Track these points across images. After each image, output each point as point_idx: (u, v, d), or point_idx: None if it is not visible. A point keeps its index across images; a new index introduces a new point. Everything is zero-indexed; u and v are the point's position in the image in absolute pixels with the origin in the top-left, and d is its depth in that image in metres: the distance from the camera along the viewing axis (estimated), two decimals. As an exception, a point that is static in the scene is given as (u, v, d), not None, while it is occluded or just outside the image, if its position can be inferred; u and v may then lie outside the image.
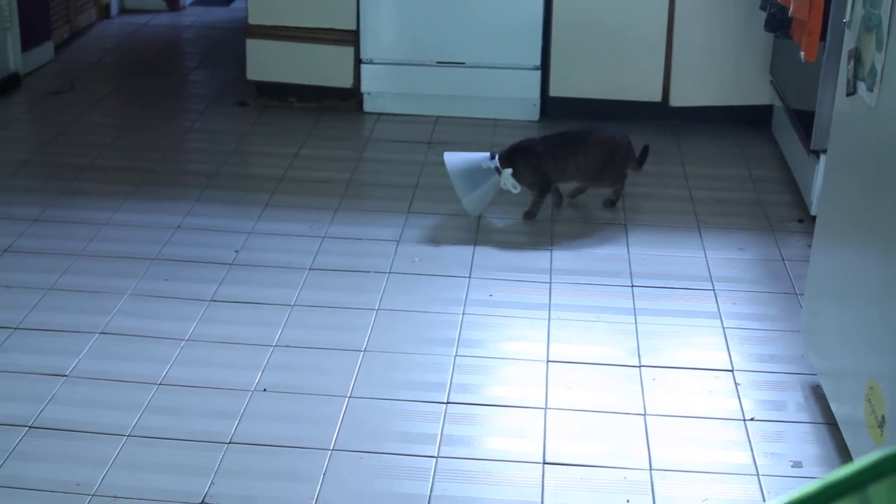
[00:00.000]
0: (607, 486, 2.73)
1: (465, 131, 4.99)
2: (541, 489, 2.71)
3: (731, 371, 3.22)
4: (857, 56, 2.73)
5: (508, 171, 4.08)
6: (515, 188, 4.12)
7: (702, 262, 3.86)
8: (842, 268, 2.84)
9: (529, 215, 4.16)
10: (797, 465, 2.82)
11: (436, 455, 2.83)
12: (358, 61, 5.17)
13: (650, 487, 2.72)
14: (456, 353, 3.29)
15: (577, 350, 3.32)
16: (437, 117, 5.16)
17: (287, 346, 3.31)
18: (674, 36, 4.95)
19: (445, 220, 4.12)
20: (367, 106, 5.26)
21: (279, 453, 2.83)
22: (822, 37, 3.83)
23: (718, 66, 4.98)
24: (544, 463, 2.81)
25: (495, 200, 4.20)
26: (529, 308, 3.54)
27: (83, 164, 4.65)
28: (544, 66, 5.09)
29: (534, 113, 5.16)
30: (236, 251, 3.89)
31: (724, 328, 3.44)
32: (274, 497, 2.67)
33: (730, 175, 4.60)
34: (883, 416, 2.47)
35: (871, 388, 2.55)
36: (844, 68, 2.84)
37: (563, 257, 3.87)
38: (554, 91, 5.11)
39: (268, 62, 5.26)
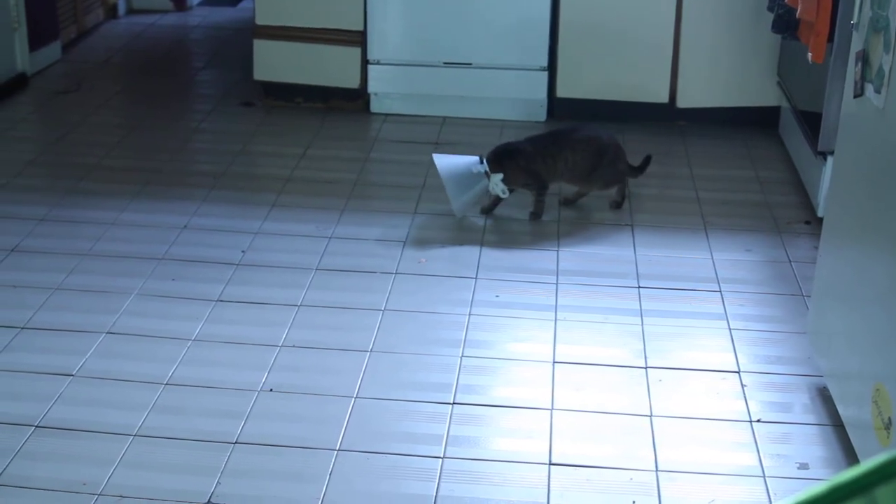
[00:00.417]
0: (614, 487, 2.72)
1: (471, 132, 4.99)
2: (547, 490, 2.71)
3: (738, 372, 3.22)
4: (864, 58, 2.73)
5: (498, 176, 4.08)
6: (504, 193, 4.11)
7: (708, 263, 3.85)
8: (849, 270, 2.84)
9: (534, 216, 4.16)
10: (803, 466, 2.81)
11: (442, 456, 2.83)
12: (365, 62, 5.17)
13: (656, 488, 2.72)
14: (462, 353, 3.29)
15: (583, 351, 3.32)
16: (444, 118, 5.16)
17: (293, 347, 3.31)
18: (681, 37, 4.95)
19: (452, 221, 4.12)
20: (374, 106, 5.27)
21: (285, 453, 2.83)
22: (830, 38, 3.83)
23: (726, 68, 4.98)
24: (550, 464, 2.81)
25: (502, 202, 4.20)
26: (536, 309, 3.54)
27: (90, 163, 4.66)
28: (551, 67, 5.09)
29: (541, 114, 5.16)
30: (243, 251, 3.89)
31: (730, 329, 3.44)
32: (280, 497, 2.67)
33: (737, 176, 4.60)
34: (889, 418, 2.47)
35: (878, 390, 2.54)
36: (852, 70, 2.84)
37: (569, 258, 3.87)
38: (561, 92, 5.11)
39: (275, 62, 5.26)
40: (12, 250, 3.88)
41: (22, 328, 3.39)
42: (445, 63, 5.14)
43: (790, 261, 3.87)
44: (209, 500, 2.65)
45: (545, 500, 2.68)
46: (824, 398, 3.06)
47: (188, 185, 4.46)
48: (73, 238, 3.97)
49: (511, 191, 4.16)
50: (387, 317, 3.48)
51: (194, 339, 3.34)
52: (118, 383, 3.12)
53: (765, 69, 4.94)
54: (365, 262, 3.83)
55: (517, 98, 5.14)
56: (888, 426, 2.47)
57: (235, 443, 2.86)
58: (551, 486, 2.73)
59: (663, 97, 5.05)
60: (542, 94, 5.12)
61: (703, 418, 3.01)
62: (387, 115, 5.24)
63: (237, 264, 3.80)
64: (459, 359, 3.26)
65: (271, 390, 3.09)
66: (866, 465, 0.96)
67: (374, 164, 4.72)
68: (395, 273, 3.75)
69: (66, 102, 5.43)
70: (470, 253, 3.90)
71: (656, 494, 2.70)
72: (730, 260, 3.88)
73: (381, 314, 3.49)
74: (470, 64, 5.12)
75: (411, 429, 2.94)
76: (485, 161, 4.09)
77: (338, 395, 3.07)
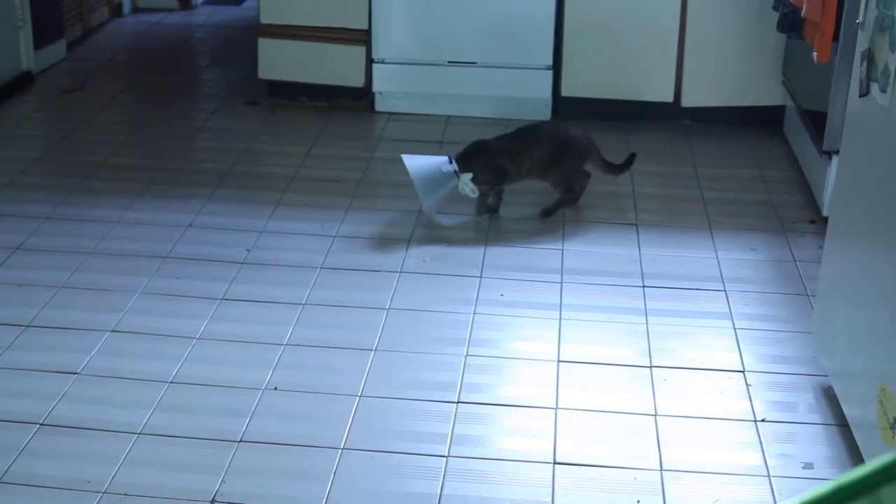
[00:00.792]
0: (618, 487, 2.72)
1: (476, 131, 4.97)
2: (551, 489, 2.71)
3: (743, 372, 3.21)
4: (870, 57, 2.72)
5: (467, 176, 4.07)
6: (474, 193, 4.10)
7: (713, 262, 3.85)
8: (854, 269, 2.84)
9: (486, 209, 4.17)
10: (808, 466, 2.81)
11: (446, 454, 2.83)
12: (369, 61, 5.17)
13: (661, 488, 2.72)
14: (467, 352, 3.29)
15: (588, 350, 3.32)
16: (449, 117, 5.16)
17: (298, 345, 3.31)
18: (686, 36, 4.95)
19: (456, 220, 4.12)
20: (379, 105, 5.27)
21: (290, 452, 2.83)
22: (835, 37, 3.82)
23: (731, 67, 4.98)
24: (555, 463, 2.81)
25: (506, 200, 4.20)
26: (540, 308, 3.54)
27: (95, 162, 4.66)
28: (556, 66, 5.09)
29: (545, 113, 5.15)
30: (247, 250, 3.89)
31: (735, 329, 3.44)
32: (284, 495, 2.67)
33: (741, 176, 4.60)
34: (894, 418, 2.47)
35: (883, 389, 2.54)
36: (857, 69, 2.83)
37: (574, 257, 3.87)
38: (566, 91, 5.11)
39: (279, 61, 5.26)
40: (17, 248, 3.88)
41: (26, 326, 3.40)
42: (450, 62, 5.13)
43: (795, 260, 3.87)
44: (213, 499, 2.65)
45: (549, 500, 2.68)
46: (829, 398, 3.06)
47: (193, 184, 4.46)
48: (77, 236, 3.97)
49: (491, 189, 4.16)
50: (391, 315, 3.48)
51: (199, 338, 3.34)
52: (123, 381, 3.12)
53: (770, 68, 4.93)
54: (369, 260, 3.83)
55: (522, 97, 5.14)
56: (893, 426, 2.47)
57: (240, 441, 2.86)
58: (555, 485, 2.73)
59: (668, 96, 5.05)
60: (547, 93, 5.12)
61: (707, 418, 3.01)
62: (391, 113, 5.24)
63: (242, 263, 3.80)
64: (464, 357, 3.26)
65: (276, 389, 3.09)
66: (871, 464, 0.96)
67: (378, 163, 4.72)
68: (400, 272, 3.75)
69: (71, 101, 5.44)
70: (474, 252, 3.90)
71: (661, 494, 2.70)
72: (735, 259, 3.88)
73: (386, 313, 3.49)
74: (474, 63, 5.12)
75: (416, 427, 2.94)
76: (454, 161, 4.09)
77: (342, 393, 3.08)
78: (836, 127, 3.82)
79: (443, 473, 2.76)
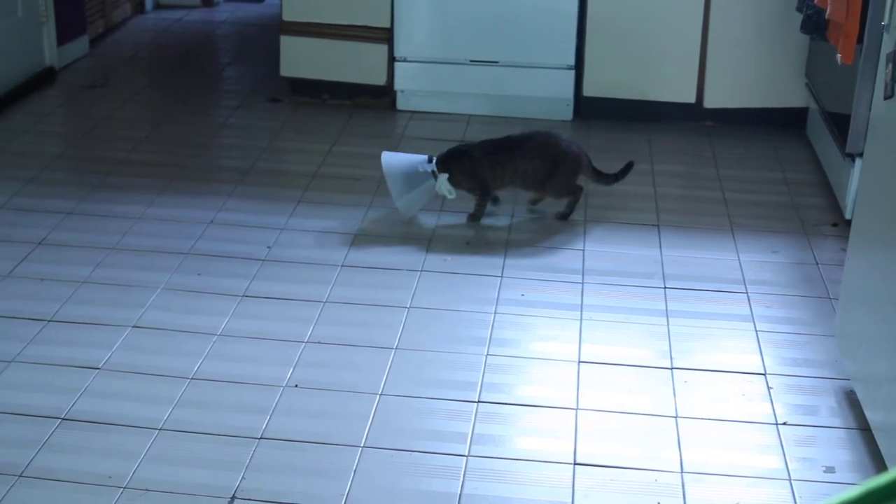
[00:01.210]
0: (638, 488, 2.72)
1: (497, 130, 4.95)
2: (571, 490, 2.70)
3: (764, 375, 3.20)
4: (895, 59, 2.71)
5: (444, 176, 4.06)
6: (451, 194, 4.08)
7: (735, 264, 3.84)
8: (877, 273, 2.82)
9: (473, 217, 4.13)
10: (830, 470, 2.80)
11: (466, 454, 2.83)
12: (392, 59, 5.18)
13: (681, 490, 2.71)
14: (487, 352, 3.28)
15: (608, 351, 3.31)
16: (470, 116, 5.16)
17: (318, 343, 3.31)
18: (709, 37, 4.93)
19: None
20: (400, 104, 5.27)
21: (310, 449, 2.83)
22: (860, 39, 3.81)
23: (753, 68, 4.96)
24: (575, 464, 2.80)
25: (519, 199, 4.20)
26: (561, 308, 3.54)
27: (117, 158, 4.67)
28: (578, 66, 5.08)
29: (567, 113, 5.15)
30: (269, 247, 3.89)
31: (756, 331, 3.43)
32: (304, 493, 2.67)
33: (764, 178, 4.58)
34: (918, 423, 2.45)
35: (907, 393, 2.53)
36: (882, 71, 2.82)
37: (595, 258, 3.86)
38: (588, 91, 5.10)
39: (302, 59, 5.26)
40: (39, 243, 3.89)
41: (48, 321, 3.41)
42: (472, 61, 5.13)
43: (817, 263, 3.86)
44: (234, 495, 2.66)
45: (569, 500, 2.67)
46: (851, 402, 3.05)
47: (214, 181, 4.47)
48: (99, 232, 3.98)
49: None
50: (412, 314, 3.48)
51: (220, 334, 3.35)
52: (144, 377, 3.13)
53: (793, 70, 4.92)
54: (390, 259, 3.83)
55: (543, 97, 5.13)
56: (916, 430, 2.46)
57: (260, 438, 2.86)
58: (576, 486, 2.72)
59: (690, 97, 5.03)
60: (569, 92, 5.11)
61: (728, 420, 3.00)
62: (413, 112, 5.24)
63: (263, 260, 3.80)
64: (484, 357, 3.26)
65: (296, 386, 3.10)
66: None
67: (399, 161, 4.72)
68: (421, 270, 3.75)
69: (94, 97, 5.45)
70: (495, 251, 3.90)
71: (681, 496, 2.69)
72: (756, 261, 3.86)
73: (407, 311, 3.49)
74: (497, 62, 5.11)
75: (436, 426, 2.94)
76: (434, 161, 4.08)
77: (363, 391, 3.08)
78: (859, 129, 3.80)
79: (462, 473, 2.76)
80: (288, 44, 5.27)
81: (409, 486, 2.71)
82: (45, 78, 5.54)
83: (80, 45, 5.96)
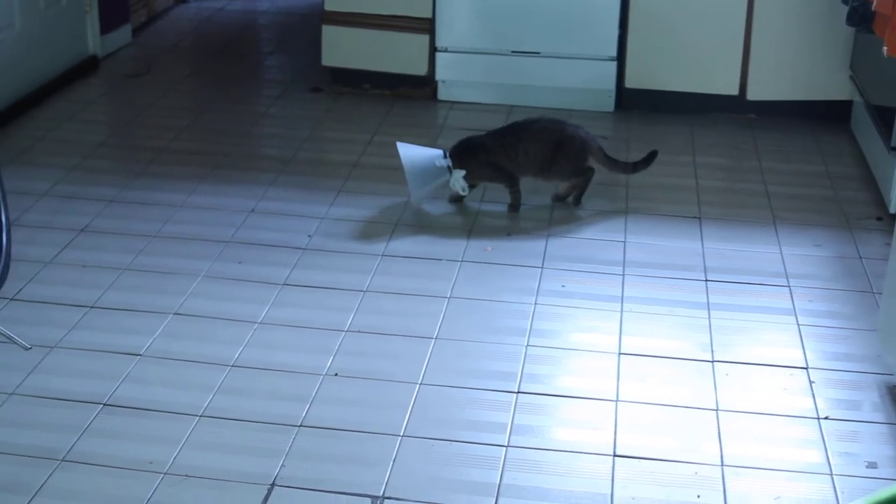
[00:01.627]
0: (678, 481, 2.70)
1: (538, 121, 4.97)
2: (611, 481, 2.70)
3: (806, 368, 3.18)
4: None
5: (461, 173, 4.05)
6: (465, 190, 4.08)
7: (777, 257, 3.81)
8: (923, 266, 2.80)
9: (512, 208, 4.13)
10: (872, 465, 2.77)
11: (506, 444, 2.82)
12: (433, 49, 5.17)
13: (721, 483, 2.70)
14: (527, 342, 3.28)
15: (649, 343, 3.30)
16: (511, 107, 5.15)
17: (358, 332, 3.32)
18: (752, 28, 4.90)
19: (519, 209, 4.11)
20: (441, 94, 5.26)
21: (349, 438, 2.84)
22: (907, 32, 3.77)
23: (797, 60, 4.92)
24: (615, 455, 2.79)
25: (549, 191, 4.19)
26: (602, 300, 3.52)
27: (159, 146, 4.69)
28: (620, 57, 5.06)
29: (609, 104, 5.12)
30: (309, 236, 3.90)
31: (798, 325, 3.40)
32: (343, 481, 2.67)
33: (806, 171, 4.54)
34: (963, 418, 2.43)
35: (952, 389, 2.50)
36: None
37: (636, 249, 3.85)
38: (629, 82, 5.08)
39: (343, 49, 5.27)
40: (82, 230, 3.92)
41: (91, 307, 3.43)
42: (513, 51, 5.12)
43: (860, 257, 3.82)
44: (273, 482, 2.66)
45: (608, 492, 2.66)
46: (894, 396, 3.02)
47: (256, 170, 4.48)
48: (141, 219, 4.00)
49: (472, 187, 4.12)
50: (452, 304, 3.48)
51: (260, 322, 3.36)
52: (185, 364, 3.14)
53: (837, 62, 4.87)
54: (431, 248, 3.83)
55: (585, 88, 5.11)
56: (961, 426, 2.43)
57: (300, 426, 2.87)
58: (615, 477, 2.71)
59: (733, 89, 5.00)
60: (611, 84, 5.09)
61: (769, 414, 2.98)
62: (454, 102, 5.23)
63: (303, 249, 3.81)
64: (524, 348, 3.25)
65: (336, 375, 3.10)
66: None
67: (440, 151, 4.71)
68: (461, 261, 3.75)
69: (136, 85, 5.48)
70: (536, 242, 3.89)
71: (721, 489, 2.68)
72: (799, 255, 3.83)
73: (447, 301, 3.49)
74: (538, 53, 5.10)
75: (475, 416, 2.93)
76: (448, 155, 4.07)
77: (402, 381, 3.08)
78: (905, 123, 3.77)
79: (502, 463, 2.75)
80: (329, 33, 5.27)
81: (447, 475, 2.71)
82: (88, 66, 5.58)
83: (123, 34, 5.99)
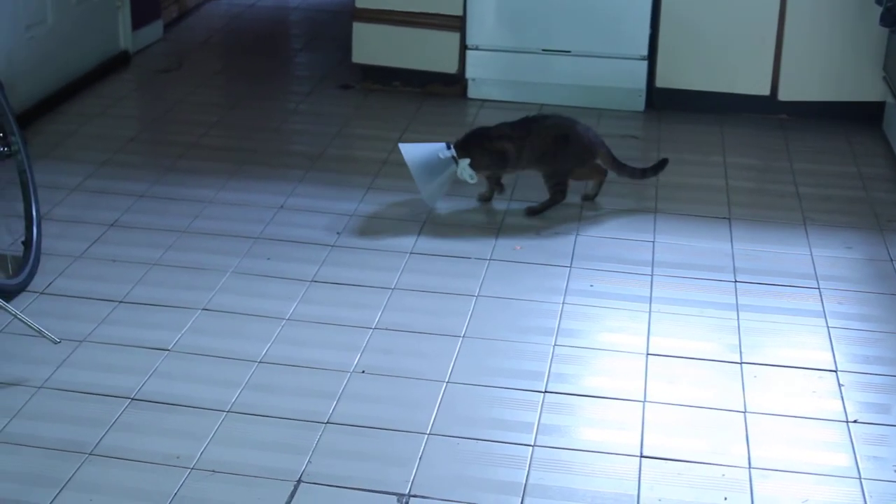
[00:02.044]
0: (705, 483, 2.69)
1: (568, 120, 4.95)
2: (637, 482, 2.69)
3: (835, 371, 3.16)
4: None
5: (466, 161, 4.04)
6: (472, 179, 4.07)
7: (807, 259, 3.79)
8: (955, 270, 2.78)
9: (484, 197, 4.15)
10: (901, 469, 2.76)
11: (532, 444, 2.82)
12: (463, 47, 5.17)
13: (749, 486, 2.68)
14: (555, 342, 3.27)
15: (677, 344, 3.28)
16: (541, 105, 5.13)
17: (386, 329, 3.32)
18: (785, 28, 4.87)
19: (548, 210, 4.09)
20: (472, 92, 5.26)
21: (376, 435, 2.84)
22: (941, 33, 3.74)
23: (830, 61, 4.89)
24: (641, 456, 2.78)
25: (602, 190, 4.17)
26: (630, 300, 3.51)
27: (189, 142, 4.71)
28: (651, 56, 5.04)
29: (639, 103, 5.11)
30: (338, 233, 3.91)
31: (828, 328, 3.38)
32: (369, 479, 2.67)
33: (838, 172, 4.52)
34: None
35: (983, 394, 2.48)
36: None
37: (665, 250, 3.83)
38: (660, 82, 5.06)
39: (373, 46, 5.27)
40: (112, 225, 3.93)
41: (120, 302, 3.44)
42: (544, 50, 5.11)
43: (891, 259, 3.80)
44: (300, 479, 2.67)
45: (635, 493, 2.65)
46: (924, 400, 3.01)
47: (285, 166, 4.48)
48: (170, 215, 4.02)
49: (493, 175, 4.13)
50: (480, 303, 3.47)
51: (288, 319, 3.36)
52: (212, 359, 3.15)
53: (871, 63, 4.84)
54: (459, 247, 3.83)
55: (616, 87, 5.09)
56: None
57: (327, 423, 2.87)
58: (642, 478, 2.70)
59: (765, 90, 4.98)
60: (642, 83, 5.07)
61: (798, 416, 2.96)
62: (484, 101, 5.23)
63: (332, 245, 3.82)
64: (552, 347, 3.24)
65: (363, 372, 3.10)
66: None
67: (469, 149, 4.71)
68: (490, 259, 3.74)
69: (167, 81, 5.50)
70: (565, 241, 3.88)
71: (748, 492, 2.67)
72: (829, 257, 3.81)
73: (475, 300, 3.49)
74: (569, 51, 5.09)
75: (502, 415, 2.93)
76: (452, 147, 4.06)
77: (429, 379, 3.08)
78: (938, 125, 3.74)
79: (528, 463, 2.75)
80: (360, 30, 5.27)
81: (474, 474, 2.71)
82: (119, 62, 5.60)
83: (154, 30, 6.01)
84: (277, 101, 5.29)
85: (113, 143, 4.67)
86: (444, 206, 4.12)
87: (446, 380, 3.07)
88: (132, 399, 2.96)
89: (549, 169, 4.08)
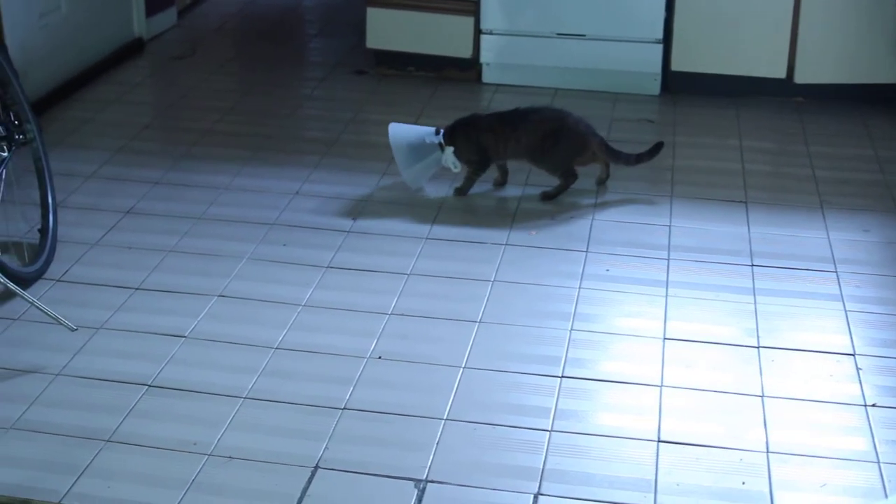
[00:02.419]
0: (723, 467, 2.68)
1: (583, 104, 4.92)
2: (655, 467, 2.68)
3: (853, 355, 3.15)
4: None
5: (450, 149, 4.03)
6: (456, 167, 4.07)
7: (824, 242, 3.77)
8: (974, 253, 2.76)
9: (460, 191, 4.10)
10: (920, 453, 2.75)
11: (549, 429, 2.81)
12: (478, 32, 5.15)
13: (767, 470, 2.68)
14: (571, 327, 3.26)
15: (694, 328, 3.27)
16: (556, 90, 5.12)
17: (402, 315, 3.32)
18: (801, 10, 4.84)
19: (563, 194, 4.08)
20: (486, 77, 5.24)
21: (393, 421, 2.84)
22: (959, 14, 3.72)
23: (847, 43, 4.86)
24: (659, 441, 2.78)
25: (616, 175, 4.16)
26: (647, 284, 3.50)
27: (204, 128, 4.71)
28: (666, 40, 5.02)
29: (654, 87, 5.09)
30: (353, 219, 3.90)
31: (846, 311, 3.37)
32: (386, 465, 2.67)
33: (855, 155, 4.50)
34: None
35: None
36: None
37: (682, 234, 3.82)
38: (676, 65, 5.04)
39: (388, 31, 5.26)
40: (127, 212, 3.94)
41: (136, 289, 3.45)
42: (558, 34, 5.09)
43: (909, 242, 3.79)
44: (317, 465, 2.67)
45: (653, 477, 2.65)
46: (943, 384, 2.99)
47: (300, 152, 4.48)
48: (186, 201, 4.02)
49: (472, 163, 4.11)
50: (496, 288, 3.47)
51: (304, 305, 3.36)
52: (229, 346, 3.15)
53: (888, 45, 4.81)
54: (475, 232, 3.82)
55: (631, 71, 5.08)
56: None
57: (343, 409, 2.88)
58: (659, 463, 2.70)
59: (781, 72, 4.95)
60: (657, 67, 5.05)
61: (816, 400, 2.95)
62: (498, 85, 5.21)
63: (347, 231, 3.81)
64: (568, 332, 3.24)
65: (380, 358, 3.10)
66: None
67: (484, 134, 4.69)
68: (506, 244, 3.74)
69: (181, 67, 5.50)
70: (580, 226, 3.87)
71: (766, 476, 2.66)
72: (846, 240, 3.79)
73: (491, 285, 3.48)
74: (583, 35, 5.07)
75: (519, 401, 2.93)
76: (441, 133, 4.05)
77: (446, 364, 3.07)
78: (956, 106, 3.72)
79: (545, 448, 2.75)
80: (374, 16, 5.26)
81: (491, 459, 2.71)
82: (133, 49, 5.60)
83: (168, 17, 6.01)
84: (292, 87, 5.28)
85: (128, 130, 4.68)
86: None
87: (463, 365, 3.07)
88: (149, 386, 2.97)
89: (547, 165, 4.07)
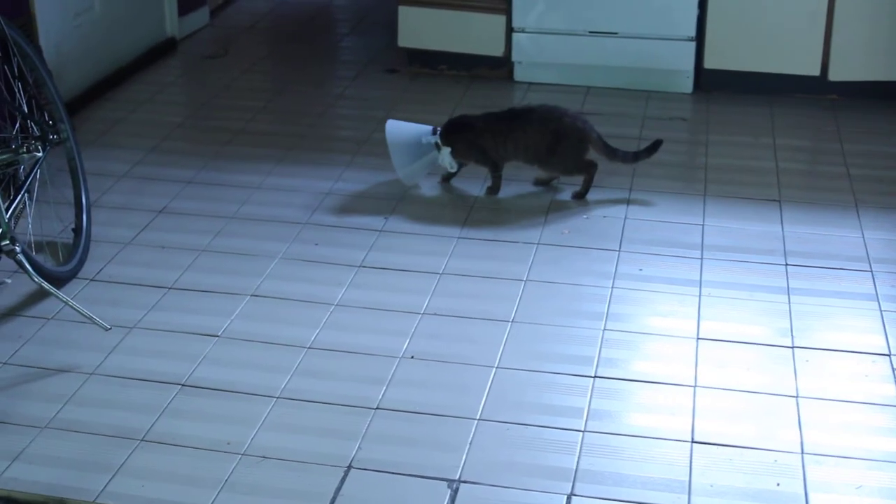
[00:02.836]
0: (757, 468, 2.67)
1: (616, 102, 4.93)
2: (689, 468, 2.67)
3: (889, 356, 3.12)
4: None
5: (447, 149, 4.02)
6: (452, 167, 4.06)
7: (859, 242, 3.75)
8: None
9: (490, 191, 4.10)
10: (957, 455, 2.72)
11: (582, 429, 2.81)
12: (510, 30, 5.14)
13: (801, 472, 2.66)
14: (604, 326, 3.25)
15: (728, 328, 3.26)
16: (589, 88, 5.10)
17: (435, 314, 3.31)
18: (834, 6, 4.81)
19: (596, 193, 4.07)
20: (518, 75, 5.23)
21: (425, 421, 2.83)
22: None
23: (881, 40, 4.83)
24: (692, 442, 2.76)
25: (636, 172, 4.14)
26: (680, 284, 3.49)
27: (236, 127, 4.72)
28: (699, 37, 4.99)
29: (687, 85, 5.07)
30: (385, 218, 3.90)
31: (881, 311, 3.34)
32: (419, 464, 2.67)
33: (890, 153, 4.46)
34: None
35: None
36: None
37: (715, 233, 3.80)
38: (709, 63, 5.01)
39: (419, 30, 5.26)
40: (160, 212, 3.95)
41: (169, 288, 3.46)
42: (591, 32, 5.07)
43: (945, 241, 3.76)
44: (350, 465, 2.67)
45: (686, 478, 2.64)
46: (980, 385, 2.97)
47: (331, 151, 4.49)
48: (218, 201, 4.03)
49: (461, 165, 4.10)
50: (529, 287, 3.46)
51: (337, 304, 3.37)
52: (262, 345, 3.16)
53: (923, 42, 4.78)
54: (507, 231, 3.82)
55: (663, 69, 5.05)
56: None
57: (376, 408, 2.88)
58: (693, 464, 2.69)
59: (815, 70, 4.92)
60: (690, 65, 5.03)
61: (851, 401, 2.93)
62: (530, 83, 5.20)
63: (380, 231, 3.81)
64: (601, 332, 3.23)
65: (412, 357, 3.10)
66: None
67: (516, 133, 4.69)
68: (538, 244, 3.73)
69: (213, 67, 5.51)
70: (613, 225, 3.86)
71: (801, 478, 2.64)
72: (882, 239, 3.77)
73: (523, 284, 3.48)
74: (616, 33, 5.05)
75: (552, 401, 2.92)
76: (438, 132, 4.04)
77: (479, 364, 3.07)
78: None
79: (578, 448, 2.74)
80: (406, 14, 5.26)
81: (524, 459, 2.70)
82: (166, 48, 5.62)
83: (200, 16, 6.03)
84: (323, 85, 5.29)
85: (160, 129, 4.69)
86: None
87: (495, 365, 3.07)
88: (182, 385, 2.98)
89: (559, 168, 4.06)
